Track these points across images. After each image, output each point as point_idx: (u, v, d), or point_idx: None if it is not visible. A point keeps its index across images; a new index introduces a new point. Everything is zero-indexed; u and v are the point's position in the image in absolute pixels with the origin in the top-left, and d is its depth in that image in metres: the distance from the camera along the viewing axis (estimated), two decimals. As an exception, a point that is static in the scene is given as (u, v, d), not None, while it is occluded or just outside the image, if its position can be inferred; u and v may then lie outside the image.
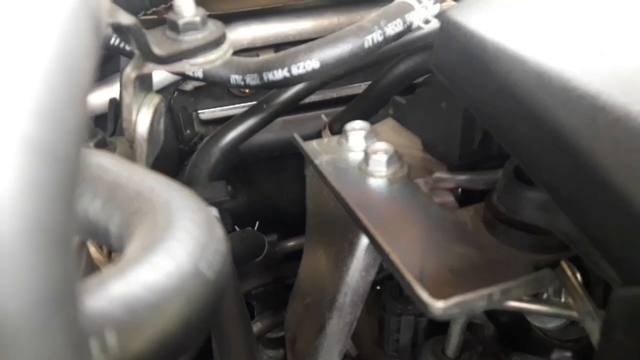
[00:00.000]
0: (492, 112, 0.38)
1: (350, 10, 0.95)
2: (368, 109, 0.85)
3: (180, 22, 0.39)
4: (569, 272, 0.40)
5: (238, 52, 0.90)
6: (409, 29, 0.57)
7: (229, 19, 0.89)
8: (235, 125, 0.71)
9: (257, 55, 0.96)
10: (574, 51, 0.35)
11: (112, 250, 0.41)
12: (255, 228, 0.76)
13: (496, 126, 0.38)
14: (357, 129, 0.61)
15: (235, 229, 0.70)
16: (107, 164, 0.33)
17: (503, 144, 0.38)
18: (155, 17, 0.75)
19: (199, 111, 0.94)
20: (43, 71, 0.12)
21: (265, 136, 0.86)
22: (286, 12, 0.93)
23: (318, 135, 0.88)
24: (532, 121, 0.33)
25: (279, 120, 0.83)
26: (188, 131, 0.92)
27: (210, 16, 0.85)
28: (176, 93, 0.90)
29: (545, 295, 0.45)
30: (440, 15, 0.46)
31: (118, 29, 0.36)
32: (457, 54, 0.41)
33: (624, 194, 0.26)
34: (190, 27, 0.40)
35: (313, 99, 0.90)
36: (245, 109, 0.80)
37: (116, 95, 0.67)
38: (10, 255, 0.09)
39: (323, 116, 0.98)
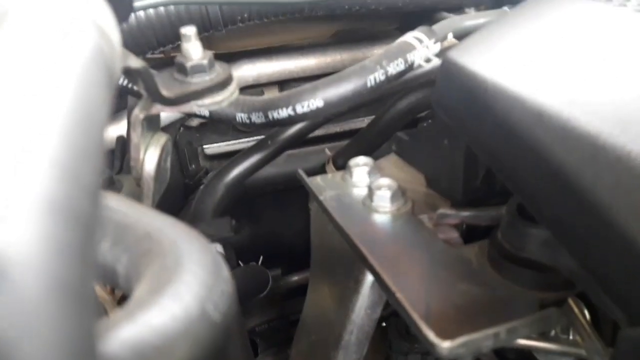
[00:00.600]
0: (493, 150, 0.38)
1: (352, 48, 0.97)
2: (371, 143, 0.86)
3: (188, 64, 0.41)
4: (576, 310, 0.40)
5: (243, 89, 0.92)
6: (410, 67, 0.59)
7: (235, 57, 0.91)
8: (240, 161, 0.72)
9: (262, 92, 0.97)
10: (573, 90, 0.35)
11: (119, 290, 0.41)
12: (259, 263, 0.76)
13: (498, 164, 0.39)
14: (360, 164, 0.62)
15: (239, 264, 0.70)
16: (115, 205, 0.33)
17: (505, 182, 0.39)
18: (161, 55, 0.77)
19: (204, 146, 0.95)
20: (62, 132, 0.13)
21: (269, 170, 0.86)
22: (290, 49, 0.95)
23: (322, 168, 0.89)
24: (533, 160, 0.33)
25: (283, 154, 0.84)
26: (193, 166, 0.93)
27: (217, 55, 0.88)
28: (182, 129, 0.91)
29: (553, 333, 0.44)
30: (441, 55, 0.48)
31: (127, 71, 0.37)
32: (458, 93, 0.41)
33: (625, 233, 0.27)
34: (198, 69, 0.41)
35: (317, 133, 0.91)
36: (250, 143, 0.81)
37: (123, 132, 0.68)
38: (37, 314, 0.10)
39: (327, 150, 0.99)
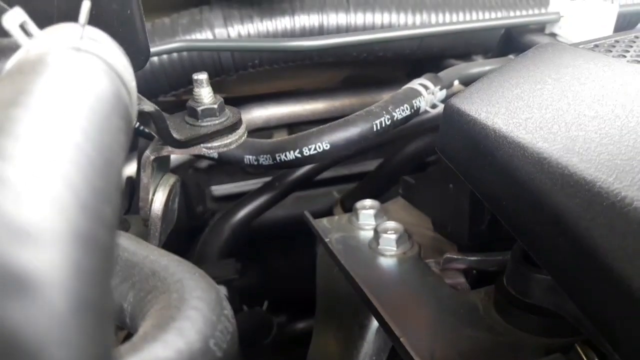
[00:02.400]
0: (495, 196, 0.39)
1: (361, 92, 0.99)
2: (379, 186, 0.87)
3: (199, 109, 0.42)
4: (583, 356, 0.39)
5: (253, 132, 0.94)
6: (416, 113, 0.60)
7: (245, 100, 0.93)
8: (246, 203, 0.73)
9: (271, 134, 0.99)
10: (571, 138, 0.36)
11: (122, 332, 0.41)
12: (265, 307, 0.75)
13: (500, 210, 0.39)
14: (367, 207, 0.62)
15: (243, 309, 0.70)
16: (124, 243, 0.34)
17: (507, 227, 0.39)
18: (173, 99, 0.80)
19: (212, 187, 0.96)
20: (89, 173, 0.14)
21: (277, 212, 0.87)
22: (300, 93, 0.97)
23: (330, 211, 0.89)
24: (532, 205, 0.34)
25: (291, 196, 0.85)
26: (200, 207, 0.94)
27: (227, 98, 0.90)
28: (191, 170, 0.92)
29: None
30: (444, 102, 0.49)
31: (140, 114, 0.39)
32: (461, 140, 0.42)
33: (621, 278, 0.27)
34: (209, 113, 0.42)
35: (325, 176, 0.92)
36: (258, 185, 0.82)
37: (132, 173, 0.69)
38: (64, 326, 0.11)
39: (335, 192, 1.00)
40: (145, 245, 0.35)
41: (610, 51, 0.50)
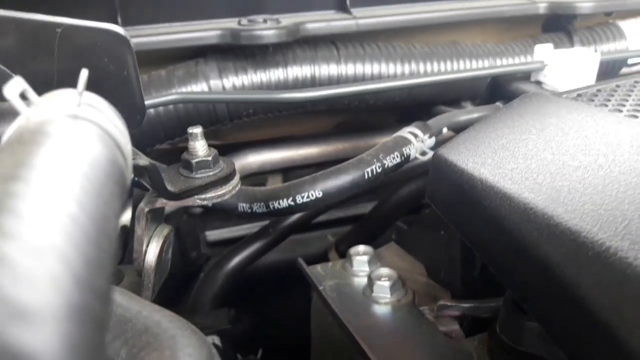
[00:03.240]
0: (483, 244, 0.40)
1: (354, 138, 1.00)
2: (374, 230, 0.87)
3: (194, 161, 0.43)
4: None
5: (248, 176, 0.95)
6: (407, 160, 0.61)
7: (240, 146, 0.94)
8: (240, 249, 0.73)
9: (267, 179, 1.00)
10: (556, 188, 0.37)
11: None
12: (259, 356, 0.74)
13: (489, 258, 0.40)
14: (361, 253, 0.62)
15: (237, 357, 0.69)
16: (117, 298, 0.34)
17: (496, 275, 0.39)
18: (169, 146, 0.81)
19: (206, 233, 0.96)
20: (81, 245, 0.15)
21: (271, 256, 0.86)
22: (294, 139, 0.98)
23: (324, 254, 0.89)
24: (520, 255, 0.34)
25: (286, 239, 0.84)
26: (194, 253, 0.94)
27: (223, 145, 0.91)
28: (185, 216, 0.93)
29: None
30: (434, 151, 0.50)
31: (136, 168, 0.39)
32: (449, 189, 0.43)
33: (606, 327, 0.27)
34: (203, 165, 0.43)
35: (320, 219, 0.92)
36: (253, 230, 0.82)
37: (126, 221, 0.69)
38: None
39: (329, 236, 1.00)
40: (138, 300, 0.35)
41: (593, 100, 0.52)
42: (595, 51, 0.88)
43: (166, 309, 0.34)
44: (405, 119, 0.75)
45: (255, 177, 0.97)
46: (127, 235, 0.61)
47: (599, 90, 0.54)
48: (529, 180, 0.39)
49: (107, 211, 0.17)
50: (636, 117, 0.46)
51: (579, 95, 0.53)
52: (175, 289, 0.87)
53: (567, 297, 0.30)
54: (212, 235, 0.97)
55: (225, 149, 0.91)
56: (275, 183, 1.00)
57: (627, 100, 0.50)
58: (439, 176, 0.45)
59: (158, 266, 0.47)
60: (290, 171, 1.00)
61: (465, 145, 0.46)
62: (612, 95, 0.52)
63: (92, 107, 0.24)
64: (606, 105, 0.50)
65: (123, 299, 0.34)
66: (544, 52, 0.67)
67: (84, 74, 0.23)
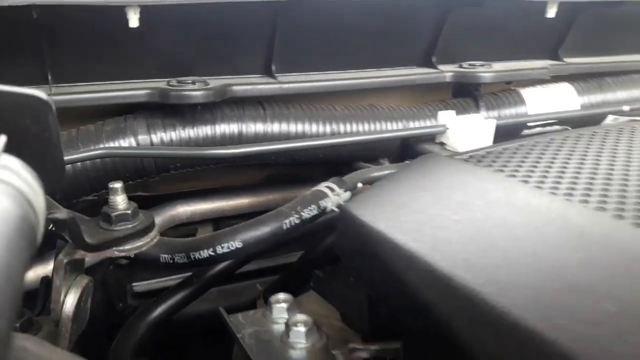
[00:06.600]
0: (379, 290, 0.44)
1: (283, 189, 1.04)
2: (299, 278, 0.90)
3: (113, 214, 0.46)
4: None
5: (177, 227, 0.96)
6: (323, 212, 0.66)
7: (170, 197, 0.96)
8: (163, 300, 0.74)
9: (196, 229, 1.02)
10: (437, 238, 0.42)
11: None
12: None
13: (385, 302, 0.44)
14: (280, 301, 0.65)
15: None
16: (29, 346, 0.36)
17: (393, 318, 0.44)
18: (96, 198, 0.82)
19: (133, 284, 0.95)
20: None
21: (199, 307, 0.87)
22: (224, 190, 1.01)
23: (254, 303, 0.91)
24: (406, 299, 0.39)
25: (214, 290, 0.86)
26: (121, 304, 0.93)
27: (152, 196, 0.92)
28: (111, 267, 0.92)
29: None
30: (340, 206, 0.55)
31: (55, 222, 0.42)
32: (352, 240, 0.48)
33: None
34: (122, 218, 0.46)
35: (249, 268, 0.94)
36: (179, 280, 0.83)
37: (49, 272, 0.69)
38: None
39: (258, 285, 1.02)
40: (50, 349, 0.36)
41: (481, 161, 0.59)
42: (499, 115, 0.99)
43: (78, 356, 0.35)
44: (333, 172, 0.81)
45: (185, 227, 0.98)
46: (48, 286, 0.61)
47: (488, 153, 0.62)
48: (415, 232, 0.44)
49: (12, 261, 0.20)
50: (514, 176, 0.53)
51: (471, 156, 0.61)
52: (101, 341, 0.86)
53: (442, 335, 0.34)
54: (139, 286, 0.97)
55: (155, 200, 0.93)
56: (205, 233, 1.01)
57: (510, 162, 0.57)
58: (344, 228, 0.50)
59: (76, 316, 0.48)
60: (221, 221, 1.02)
61: (367, 200, 0.51)
62: (499, 157, 0.60)
63: (7, 168, 0.27)
64: (491, 166, 0.57)
65: (34, 347, 0.35)
66: (446, 117, 0.75)
67: (1, 139, 0.27)
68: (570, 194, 0.48)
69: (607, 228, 0.41)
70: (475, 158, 0.60)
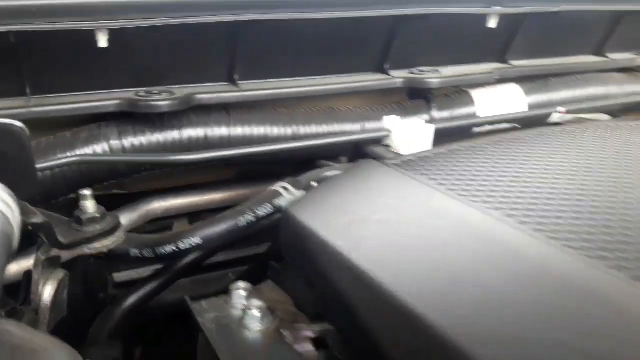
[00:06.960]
0: (314, 283, 0.52)
1: (254, 184, 1.11)
2: (267, 269, 0.98)
3: (83, 217, 0.53)
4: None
5: (153, 221, 1.03)
6: (279, 210, 0.74)
7: (145, 194, 1.03)
8: (137, 289, 0.81)
9: (172, 224, 1.09)
10: (359, 237, 0.50)
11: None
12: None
13: (319, 297, 0.52)
14: (240, 288, 0.73)
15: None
16: (15, 331, 0.43)
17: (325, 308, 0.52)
18: (74, 196, 0.89)
19: (114, 274, 1.02)
20: None
21: (174, 296, 0.95)
22: (197, 186, 1.08)
23: (226, 292, 0.98)
24: (334, 292, 0.47)
25: (187, 280, 0.93)
26: (102, 294, 1.00)
27: (128, 194, 0.99)
28: (92, 259, 1.00)
29: None
30: (284, 207, 0.62)
31: (33, 225, 0.49)
32: (292, 239, 0.56)
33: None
34: (91, 221, 0.54)
35: (220, 259, 1.01)
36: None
37: (28, 267, 0.76)
38: None
39: (230, 274, 1.09)
40: (31, 332, 0.44)
41: (410, 166, 0.67)
42: (450, 115, 1.07)
43: (56, 338, 0.43)
44: (298, 169, 0.88)
45: (161, 222, 1.05)
46: (29, 279, 0.69)
47: (419, 158, 0.70)
48: (344, 232, 0.52)
49: None
50: (435, 180, 0.61)
51: (403, 161, 0.69)
52: (83, 327, 0.93)
53: (356, 320, 0.42)
54: (120, 277, 1.04)
55: (130, 197, 1.00)
56: (181, 227, 1.08)
57: (433, 167, 0.66)
58: (286, 227, 0.58)
59: (53, 305, 0.56)
60: (196, 215, 1.09)
61: (307, 202, 0.59)
62: (426, 162, 0.68)
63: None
64: (417, 170, 0.65)
65: (18, 330, 0.43)
66: (390, 121, 0.83)
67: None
68: (476, 196, 0.56)
69: (498, 228, 0.50)
70: (406, 163, 0.68)
